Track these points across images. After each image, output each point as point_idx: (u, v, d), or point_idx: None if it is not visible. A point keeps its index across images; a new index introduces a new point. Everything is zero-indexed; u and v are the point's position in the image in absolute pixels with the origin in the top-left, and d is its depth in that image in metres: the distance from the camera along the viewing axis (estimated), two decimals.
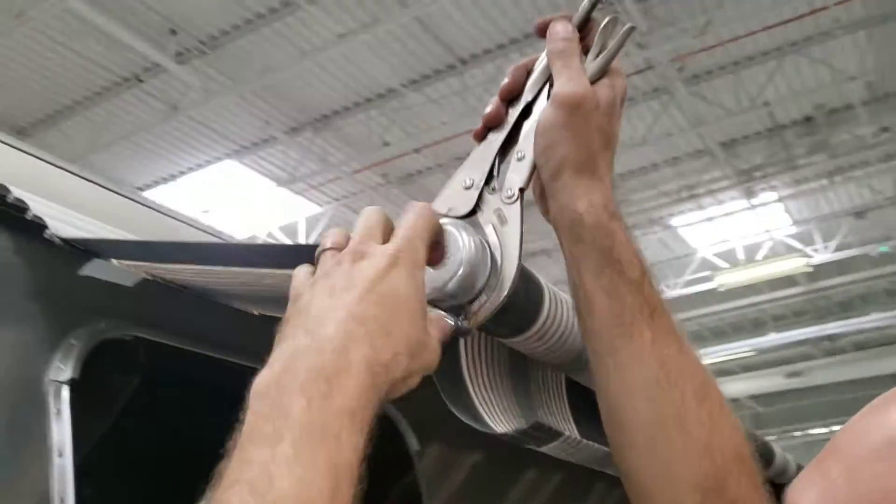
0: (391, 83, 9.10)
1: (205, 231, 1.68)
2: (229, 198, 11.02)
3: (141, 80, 8.86)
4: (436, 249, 0.76)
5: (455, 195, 0.81)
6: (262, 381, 0.64)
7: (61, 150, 9.74)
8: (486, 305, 0.76)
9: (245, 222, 11.64)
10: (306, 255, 0.74)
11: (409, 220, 0.74)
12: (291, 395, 0.61)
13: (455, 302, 0.75)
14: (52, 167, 1.36)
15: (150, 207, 1.58)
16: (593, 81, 0.82)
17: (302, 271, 0.73)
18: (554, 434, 0.90)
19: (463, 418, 0.82)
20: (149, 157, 10.25)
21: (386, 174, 11.03)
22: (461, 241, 0.75)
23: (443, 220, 0.77)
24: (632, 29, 0.84)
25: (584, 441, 0.93)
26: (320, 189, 11.21)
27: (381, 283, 0.68)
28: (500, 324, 0.83)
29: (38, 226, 0.97)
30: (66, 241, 0.97)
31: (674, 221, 12.54)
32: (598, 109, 0.81)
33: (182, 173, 10.63)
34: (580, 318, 0.83)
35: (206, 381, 1.24)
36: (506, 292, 0.75)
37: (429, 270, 0.73)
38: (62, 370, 1.03)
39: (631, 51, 8.48)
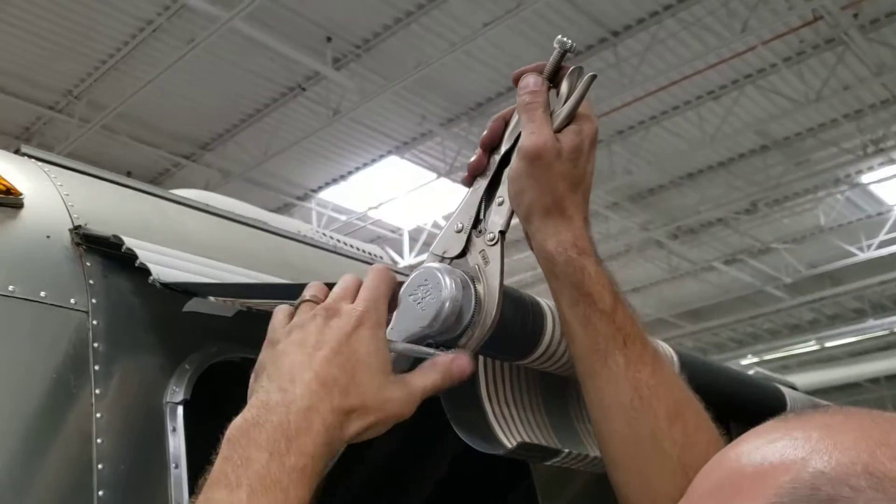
0: None
1: (313, 244, 1.81)
2: (395, 192, 11.42)
3: (303, 89, 9.37)
4: (393, 300, 0.85)
5: (449, 238, 0.89)
6: (235, 428, 0.75)
7: (239, 160, 10.51)
8: (474, 338, 0.83)
9: (411, 214, 12.04)
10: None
11: (372, 282, 0.84)
12: (257, 448, 0.73)
13: (446, 337, 0.82)
14: (174, 204, 1.53)
15: (268, 231, 1.72)
16: (560, 129, 0.88)
17: (280, 314, 0.84)
18: (553, 451, 0.94)
19: (465, 437, 0.88)
20: (318, 160, 10.82)
21: None
22: (443, 283, 0.82)
23: (429, 265, 0.85)
24: (593, 77, 0.89)
25: (591, 456, 0.97)
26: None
27: (347, 344, 0.79)
28: (501, 350, 0.89)
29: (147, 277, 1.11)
30: (165, 285, 1.11)
31: (864, 178, 11.70)
32: (559, 158, 0.88)
33: (350, 173, 11.14)
34: (567, 343, 0.88)
35: None
36: (488, 326, 0.82)
37: (417, 310, 0.81)
38: (176, 392, 1.18)
39: (796, 3, 8.00)
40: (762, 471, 0.53)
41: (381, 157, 10.68)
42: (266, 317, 1.23)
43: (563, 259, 0.86)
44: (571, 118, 0.89)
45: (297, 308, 0.85)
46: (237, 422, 0.76)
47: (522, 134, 0.87)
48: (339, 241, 2.67)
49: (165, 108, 9.68)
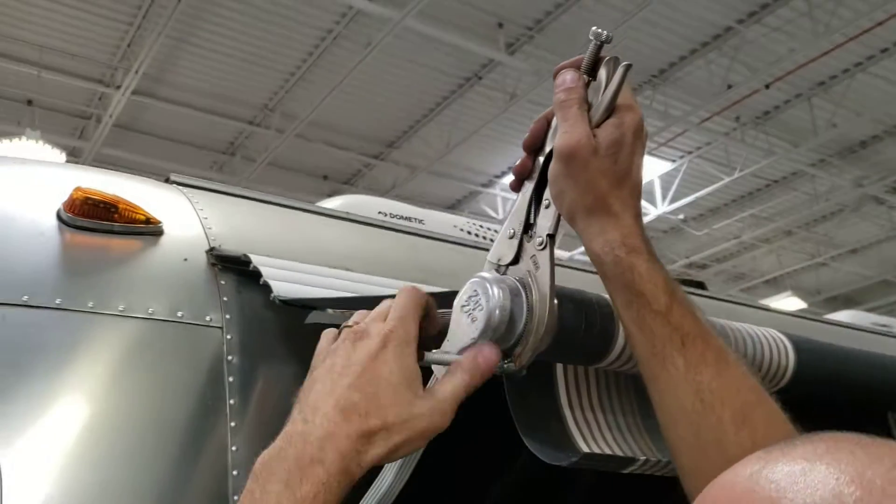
0: (725, 22, 8.61)
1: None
2: None
3: (479, 78, 9.47)
4: (428, 319, 0.85)
5: (503, 245, 0.87)
6: (260, 461, 0.78)
7: (423, 154, 10.81)
8: (529, 346, 0.81)
9: None
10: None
11: (399, 301, 0.84)
12: (275, 480, 0.75)
13: (501, 347, 0.80)
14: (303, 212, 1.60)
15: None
16: (600, 122, 0.83)
17: (324, 340, 0.86)
18: (628, 460, 0.89)
19: (536, 448, 0.85)
20: (498, 146, 10.90)
21: (738, 116, 10.44)
22: (490, 293, 0.80)
23: (479, 275, 0.83)
24: (628, 66, 0.83)
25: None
26: (669, 145, 10.98)
27: (371, 366, 0.79)
28: (569, 356, 0.85)
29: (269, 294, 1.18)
30: (284, 301, 1.17)
31: None
32: (596, 154, 0.83)
33: None
34: (630, 346, 0.83)
35: None
36: (542, 333, 0.79)
37: (468, 323, 0.80)
38: None
39: None
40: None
41: None
42: None
43: (610, 259, 0.82)
44: (611, 110, 0.84)
45: (339, 333, 0.87)
46: (263, 454, 0.79)
47: (558, 133, 0.84)
48: (495, 231, 2.68)
49: (352, 111, 10.15)
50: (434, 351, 0.85)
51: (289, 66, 9.39)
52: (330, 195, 10.18)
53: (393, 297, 0.93)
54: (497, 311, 0.79)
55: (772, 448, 0.54)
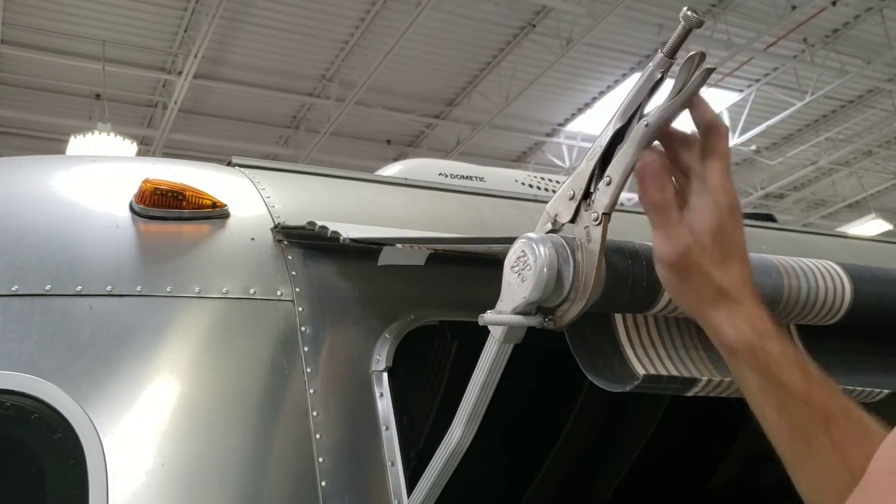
0: None
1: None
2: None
3: (533, 25, 9.33)
4: None
5: (561, 203, 0.87)
6: None
7: (484, 109, 10.74)
8: (570, 312, 0.84)
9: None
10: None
11: None
12: None
13: (551, 303, 0.83)
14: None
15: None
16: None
17: None
18: (690, 381, 0.90)
19: (594, 376, 0.87)
20: (558, 93, 10.76)
21: (805, 38, 10.03)
22: (538, 252, 0.82)
23: (526, 235, 0.85)
24: (709, 72, 0.79)
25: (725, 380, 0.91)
26: (735, 75, 10.64)
27: None
28: (617, 307, 0.87)
29: (338, 240, 1.21)
30: (355, 240, 1.20)
31: None
32: (704, 253, 0.81)
33: (594, 99, 10.95)
34: (763, 427, 0.83)
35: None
36: (585, 299, 0.81)
37: (518, 283, 0.83)
38: (380, 361, 1.29)
39: None
40: None
41: (624, 75, 10.36)
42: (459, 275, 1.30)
43: (743, 348, 0.80)
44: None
45: None
46: None
47: (655, 239, 0.81)
48: (557, 182, 2.68)
49: (409, 73, 10.14)
50: (489, 311, 0.87)
51: (342, 35, 9.42)
52: (396, 159, 10.25)
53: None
54: (545, 270, 0.82)
55: None
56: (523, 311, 0.85)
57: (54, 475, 1.09)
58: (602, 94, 10.81)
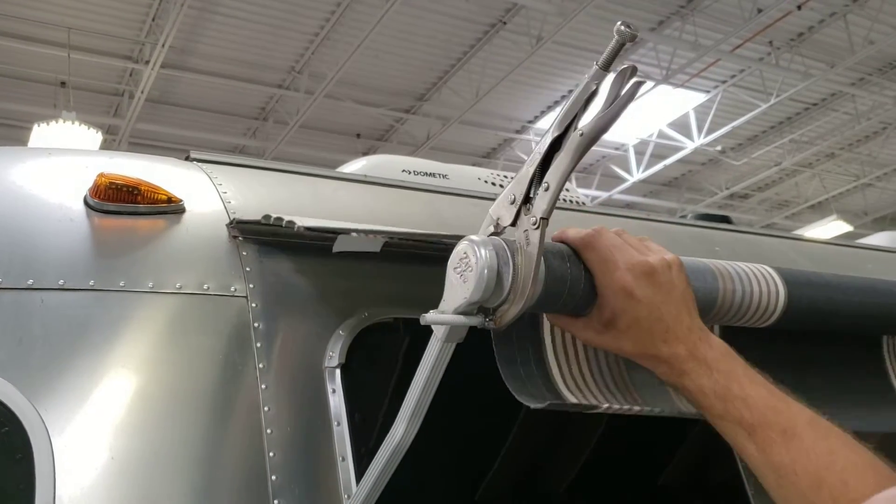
0: None
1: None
2: None
3: (504, 23, 9.36)
4: None
5: (503, 207, 0.90)
6: None
7: (454, 105, 10.76)
8: (509, 312, 0.87)
9: (633, 128, 11.70)
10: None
11: None
12: None
13: (491, 304, 0.87)
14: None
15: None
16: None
17: None
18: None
19: (518, 393, 0.90)
20: (528, 91, 10.80)
21: (771, 41, 10.18)
22: (479, 254, 0.85)
23: (468, 238, 0.87)
24: (639, 84, 0.83)
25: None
26: (702, 76, 10.77)
27: None
28: (555, 310, 0.90)
29: (293, 232, 1.21)
30: (309, 228, 1.21)
31: None
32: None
33: (564, 97, 11.00)
34: None
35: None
36: (520, 307, 0.85)
37: (460, 283, 0.85)
38: (333, 357, 1.30)
39: None
40: None
41: None
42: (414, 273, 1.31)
43: (671, 384, 0.92)
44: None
45: None
46: None
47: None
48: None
49: (379, 67, 10.12)
50: (431, 311, 0.90)
51: (313, 27, 9.38)
52: (365, 153, 10.23)
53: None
54: (486, 271, 0.84)
55: None
56: (465, 311, 0.87)
57: (1, 469, 1.10)
58: (571, 91, 10.80)
